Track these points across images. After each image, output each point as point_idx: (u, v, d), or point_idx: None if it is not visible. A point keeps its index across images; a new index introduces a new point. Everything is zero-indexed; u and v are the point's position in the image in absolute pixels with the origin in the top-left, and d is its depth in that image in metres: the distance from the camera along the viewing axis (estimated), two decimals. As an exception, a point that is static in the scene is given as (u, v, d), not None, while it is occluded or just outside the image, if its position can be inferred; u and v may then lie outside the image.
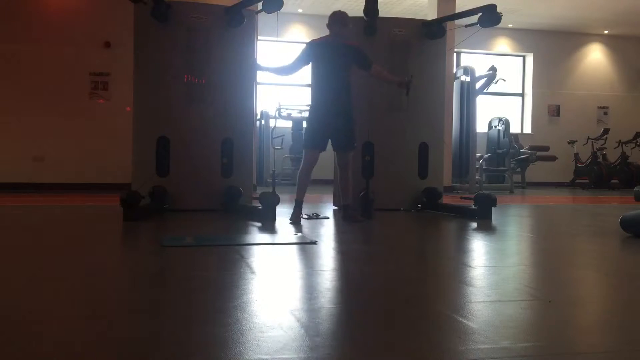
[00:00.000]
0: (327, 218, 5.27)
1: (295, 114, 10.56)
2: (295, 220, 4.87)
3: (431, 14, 9.28)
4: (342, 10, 5.14)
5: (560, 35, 12.89)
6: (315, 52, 4.96)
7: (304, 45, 5.09)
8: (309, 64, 5.02)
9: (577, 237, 4.66)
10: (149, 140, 5.69)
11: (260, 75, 5.40)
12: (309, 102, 5.15)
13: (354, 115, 5.07)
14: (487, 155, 10.68)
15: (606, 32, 13.01)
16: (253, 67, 4.94)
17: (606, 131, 11.88)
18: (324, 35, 5.09)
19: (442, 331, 1.98)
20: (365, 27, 5.97)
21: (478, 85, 10.26)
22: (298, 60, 5.03)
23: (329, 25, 4.99)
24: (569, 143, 12.13)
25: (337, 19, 4.95)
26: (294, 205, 5.02)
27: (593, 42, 13.24)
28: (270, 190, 4.99)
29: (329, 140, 5.05)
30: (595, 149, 11.92)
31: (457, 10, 7.99)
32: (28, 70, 8.60)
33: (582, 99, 13.14)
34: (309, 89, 5.11)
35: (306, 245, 3.71)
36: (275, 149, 9.96)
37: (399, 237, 4.63)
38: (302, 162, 5.12)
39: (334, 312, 2.24)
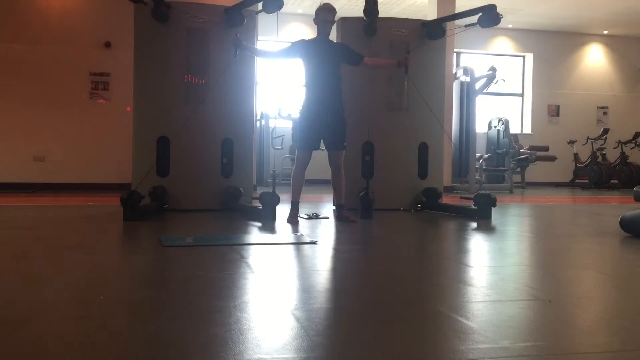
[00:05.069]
0: (327, 218, 5.28)
1: (295, 114, 10.55)
2: (293, 221, 4.88)
3: (431, 14, 9.26)
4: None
5: (560, 35, 12.88)
6: (305, 51, 4.97)
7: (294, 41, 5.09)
8: (292, 58, 5.04)
9: (577, 237, 4.65)
10: (149, 140, 5.69)
11: (243, 57, 5.36)
12: (301, 103, 5.13)
13: (345, 114, 5.07)
14: (486, 155, 10.67)
15: (606, 32, 13.00)
16: (235, 45, 4.92)
17: (606, 131, 11.87)
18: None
19: (442, 331, 1.98)
20: (365, 27, 5.96)
21: (478, 85, 10.25)
22: (284, 51, 5.10)
23: (315, 19, 5.00)
24: (568, 143, 12.11)
25: (322, 7, 4.97)
26: (290, 206, 5.03)
27: (592, 42, 13.23)
28: (270, 190, 5.00)
29: (321, 140, 5.06)
30: (594, 149, 11.90)
31: (457, 11, 7.99)
32: (28, 70, 8.59)
33: (581, 99, 13.13)
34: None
35: (306, 245, 3.71)
36: (275, 149, 9.96)
37: (398, 237, 4.63)
38: (295, 163, 5.13)
39: (333, 312, 2.24)
